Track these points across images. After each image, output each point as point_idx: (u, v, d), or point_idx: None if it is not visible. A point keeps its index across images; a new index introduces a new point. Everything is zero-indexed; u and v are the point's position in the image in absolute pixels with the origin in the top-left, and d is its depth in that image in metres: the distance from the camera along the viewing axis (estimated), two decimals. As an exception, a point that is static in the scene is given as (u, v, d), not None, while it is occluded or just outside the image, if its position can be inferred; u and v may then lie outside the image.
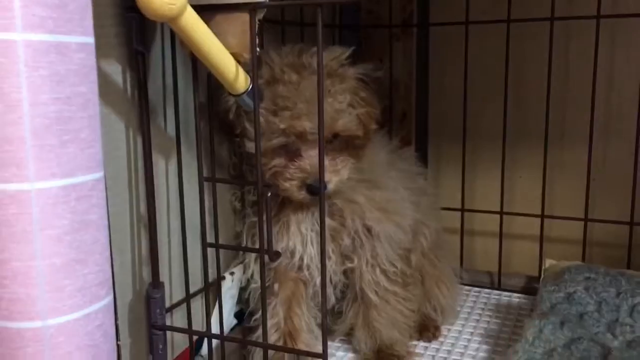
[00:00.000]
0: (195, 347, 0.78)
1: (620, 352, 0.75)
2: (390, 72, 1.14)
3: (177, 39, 0.66)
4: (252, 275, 0.84)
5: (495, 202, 1.09)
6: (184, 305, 0.75)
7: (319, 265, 0.82)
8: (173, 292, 0.75)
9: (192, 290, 0.75)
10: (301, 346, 0.82)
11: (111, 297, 0.48)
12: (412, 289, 0.89)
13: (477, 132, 1.12)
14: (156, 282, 0.69)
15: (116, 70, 0.64)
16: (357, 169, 0.82)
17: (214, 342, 0.79)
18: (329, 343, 0.90)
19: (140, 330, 0.70)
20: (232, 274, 0.84)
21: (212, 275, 0.79)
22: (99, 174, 0.45)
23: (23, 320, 0.42)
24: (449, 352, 0.90)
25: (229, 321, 0.86)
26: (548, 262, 1.03)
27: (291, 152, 0.75)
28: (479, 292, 1.10)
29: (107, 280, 0.47)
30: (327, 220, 0.81)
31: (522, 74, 1.09)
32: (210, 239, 0.76)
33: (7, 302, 0.42)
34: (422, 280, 0.94)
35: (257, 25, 0.60)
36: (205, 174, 0.75)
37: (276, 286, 0.83)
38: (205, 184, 0.70)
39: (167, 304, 0.73)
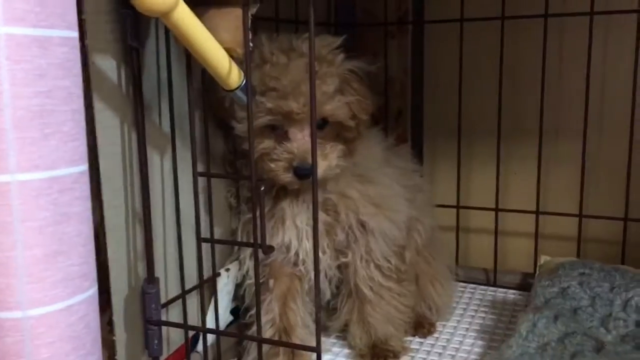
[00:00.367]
0: (191, 344, 0.78)
1: (614, 346, 0.76)
2: (386, 70, 1.14)
3: (171, 35, 0.67)
4: (247, 272, 0.85)
5: (490, 199, 1.09)
6: (180, 301, 0.75)
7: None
8: (169, 288, 0.76)
9: (188, 286, 0.75)
10: (296, 342, 0.82)
11: (95, 289, 0.48)
12: (406, 284, 0.89)
13: (472, 129, 1.12)
14: (151, 278, 0.69)
15: (111, 66, 0.64)
16: (352, 164, 0.82)
17: (210, 338, 0.79)
18: (324, 339, 0.90)
19: (135, 326, 0.70)
20: (227, 270, 0.84)
21: (207, 271, 0.80)
22: (83, 167, 0.46)
23: (2, 310, 0.43)
24: (444, 347, 0.90)
25: (225, 318, 0.86)
26: (543, 259, 1.04)
27: (279, 134, 0.75)
28: (475, 288, 1.10)
29: (90, 272, 0.47)
30: (322, 215, 0.82)
31: (516, 70, 1.10)
32: (205, 234, 0.76)
33: (-14, 292, 0.42)
34: (416, 279, 0.94)
35: (250, 20, 0.60)
36: (200, 169, 0.76)
37: (271, 282, 0.84)
38: (201, 179, 0.70)
39: (163, 300, 0.73)
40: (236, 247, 0.86)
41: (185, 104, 0.73)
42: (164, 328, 0.72)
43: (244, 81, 0.64)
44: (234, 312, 0.88)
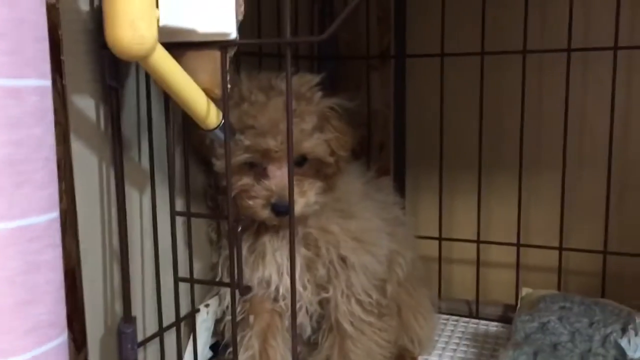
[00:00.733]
0: (169, 381, 0.78)
1: (593, 382, 0.76)
2: (368, 103, 1.15)
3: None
4: (227, 307, 0.84)
5: (472, 231, 1.10)
6: (159, 338, 0.74)
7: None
8: (146, 325, 0.75)
9: (166, 323, 0.75)
10: (276, 379, 0.82)
11: (64, 337, 0.48)
12: (387, 319, 0.89)
13: (454, 162, 1.13)
14: (128, 317, 0.68)
15: (89, 105, 0.65)
16: (331, 199, 0.82)
17: (188, 375, 0.78)
18: (305, 375, 0.89)
19: (112, 365, 0.69)
20: (207, 306, 0.84)
21: (187, 307, 0.79)
22: (54, 214, 0.46)
23: (-29, 361, 0.42)
24: (425, 382, 0.90)
25: (205, 354, 0.85)
26: (524, 291, 1.04)
27: (258, 172, 0.76)
28: (457, 320, 1.10)
29: (59, 321, 0.47)
30: (302, 250, 0.82)
31: (497, 104, 1.11)
32: (185, 271, 0.76)
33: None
34: (398, 311, 0.94)
35: (228, 62, 0.61)
36: (180, 207, 0.76)
37: (251, 318, 0.83)
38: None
39: (141, 338, 0.73)
40: (216, 282, 0.86)
41: (165, 141, 0.73)
42: (141, 367, 0.71)
43: (223, 121, 0.64)
44: (214, 347, 0.88)
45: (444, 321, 1.09)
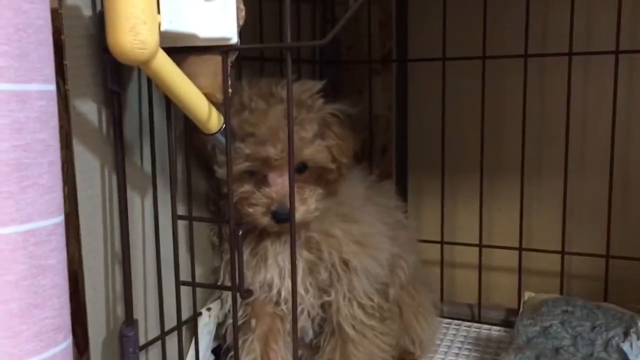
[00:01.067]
0: (170, 385, 0.78)
1: (595, 387, 0.76)
2: (370, 107, 1.15)
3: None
4: (229, 311, 0.84)
5: (475, 235, 1.10)
6: (161, 342, 0.75)
7: (297, 300, 0.83)
8: (149, 329, 0.75)
9: (168, 327, 0.75)
10: (278, 382, 0.82)
11: (69, 341, 0.48)
12: (389, 323, 0.89)
13: (456, 166, 1.13)
14: (130, 320, 0.68)
15: (92, 109, 0.65)
16: (334, 203, 0.83)
17: (190, 379, 0.78)
18: (307, 379, 0.89)
19: (113, 369, 0.70)
20: (209, 309, 0.84)
21: (188, 311, 0.80)
22: (59, 219, 0.46)
23: (-23, 366, 0.43)
24: (427, 387, 0.90)
25: (207, 357, 0.85)
26: (527, 295, 1.04)
27: (259, 179, 0.76)
28: (459, 325, 1.10)
29: (65, 324, 0.47)
30: (304, 253, 0.82)
31: (499, 108, 1.11)
32: (187, 275, 0.76)
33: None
34: (400, 313, 0.94)
35: (229, 67, 0.61)
36: (182, 211, 0.76)
37: (253, 321, 0.83)
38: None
39: (143, 342, 0.73)
40: (218, 286, 0.86)
41: (167, 145, 0.73)
42: (143, 370, 0.72)
43: (224, 125, 0.64)
44: (216, 351, 0.88)
45: (447, 325, 1.09)
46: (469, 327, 1.09)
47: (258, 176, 0.76)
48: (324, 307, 0.87)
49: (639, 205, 1.06)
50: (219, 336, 0.87)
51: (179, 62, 0.59)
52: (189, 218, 0.71)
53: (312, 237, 0.82)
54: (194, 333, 0.78)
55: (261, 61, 0.95)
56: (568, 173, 1.01)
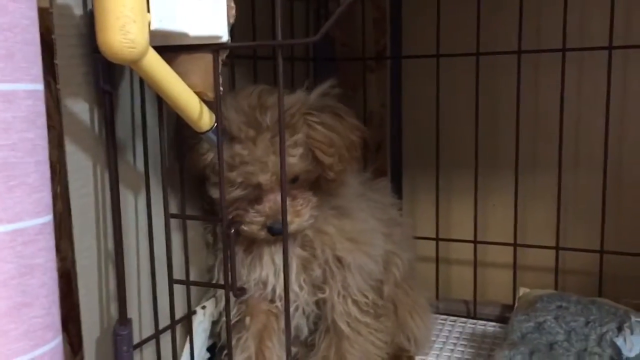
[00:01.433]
0: (165, 383, 0.78)
1: (589, 382, 0.76)
2: (364, 104, 1.15)
3: (144, 78, 0.67)
4: (224, 309, 0.84)
5: (470, 231, 1.10)
6: (155, 340, 0.75)
7: (292, 297, 0.83)
8: (143, 328, 0.75)
9: (162, 326, 0.75)
10: (273, 380, 0.82)
11: (59, 340, 0.48)
12: (384, 320, 0.89)
13: (450, 162, 1.14)
14: (123, 319, 0.68)
15: (83, 109, 0.65)
16: (328, 200, 0.83)
17: (185, 377, 0.78)
18: (302, 376, 0.89)
19: (107, 368, 0.70)
20: (203, 307, 0.84)
21: (183, 310, 0.80)
22: (47, 218, 0.46)
23: (-36, 365, 0.43)
24: (422, 383, 0.90)
25: (202, 355, 0.85)
26: (522, 291, 1.04)
27: (252, 199, 0.78)
28: (455, 321, 1.10)
29: (54, 323, 0.47)
30: (298, 251, 0.82)
31: (493, 104, 1.11)
32: (181, 274, 0.76)
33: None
34: (395, 310, 0.94)
35: (220, 65, 0.61)
36: (176, 210, 0.76)
37: (248, 319, 0.83)
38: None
39: (137, 340, 0.73)
40: (213, 284, 0.86)
41: (165, 144, 0.73)
42: (137, 369, 0.72)
43: (216, 123, 0.64)
44: (211, 349, 0.88)
45: (442, 321, 1.10)
46: (465, 323, 1.09)
47: (250, 196, 0.77)
48: (319, 304, 0.87)
49: (633, 201, 1.06)
50: (214, 334, 0.87)
51: (170, 61, 0.59)
52: (182, 217, 0.71)
53: (305, 234, 0.82)
54: (189, 331, 0.79)
55: (254, 60, 0.95)
56: (562, 169, 1.01)
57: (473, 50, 1.04)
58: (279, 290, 0.83)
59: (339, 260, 0.83)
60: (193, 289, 0.82)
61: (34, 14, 0.46)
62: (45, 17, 0.60)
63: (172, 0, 0.56)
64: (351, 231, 0.84)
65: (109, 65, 0.63)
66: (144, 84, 0.69)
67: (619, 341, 0.81)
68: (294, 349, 0.89)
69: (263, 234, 0.77)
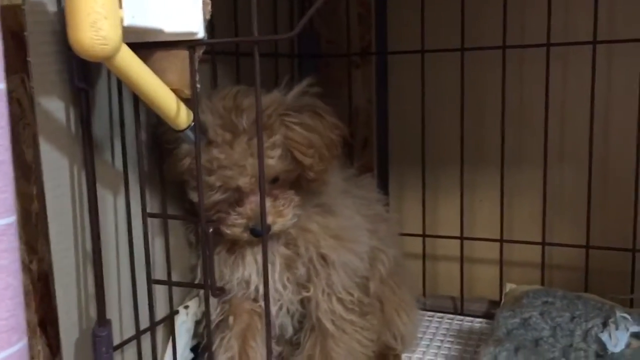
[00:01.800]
0: (148, 385, 0.77)
1: (574, 378, 0.76)
2: (350, 100, 1.15)
3: (121, 75, 0.66)
4: (207, 308, 0.83)
5: (456, 227, 1.10)
6: (136, 341, 0.74)
7: (275, 296, 0.82)
8: (124, 329, 0.74)
9: (143, 326, 0.74)
10: (257, 380, 0.81)
11: (24, 342, 0.47)
12: (370, 318, 0.88)
13: (437, 158, 1.13)
14: (102, 320, 0.68)
15: (59, 107, 0.64)
16: (312, 196, 0.82)
17: (167, 378, 0.78)
18: (287, 375, 0.89)
19: (87, 370, 0.69)
20: (186, 307, 0.83)
21: (165, 310, 0.79)
22: (10, 219, 0.45)
23: None
24: (408, 380, 0.89)
25: (185, 355, 0.84)
26: (508, 286, 1.04)
27: (232, 201, 0.77)
28: (442, 318, 1.10)
29: (19, 326, 0.46)
30: (282, 249, 0.81)
31: (479, 100, 1.11)
32: (163, 274, 0.75)
33: None
34: (381, 308, 0.93)
35: (197, 62, 0.60)
36: (157, 209, 0.75)
37: (231, 319, 0.82)
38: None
39: (118, 341, 0.72)
40: (196, 284, 0.85)
41: (142, 143, 0.72)
42: (117, 371, 0.71)
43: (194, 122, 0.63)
44: (195, 349, 0.87)
45: (429, 318, 1.09)
46: (452, 319, 1.09)
47: (231, 199, 0.76)
48: (303, 302, 0.86)
49: (618, 196, 1.06)
50: (197, 334, 0.86)
51: (145, 58, 0.58)
52: (161, 216, 0.71)
53: (289, 233, 0.82)
54: (171, 331, 0.78)
55: (237, 56, 0.94)
56: (548, 164, 1.01)
57: (458, 46, 1.03)
58: (262, 289, 0.82)
59: (323, 258, 0.83)
60: (176, 289, 0.81)
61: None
62: (17, 14, 0.59)
63: (146, -4, 0.55)
64: (335, 228, 0.83)
65: (83, 62, 0.62)
66: (122, 82, 0.68)
67: (604, 336, 0.80)
68: (279, 348, 0.89)
69: (246, 236, 0.76)
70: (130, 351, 0.75)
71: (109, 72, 0.69)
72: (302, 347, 0.88)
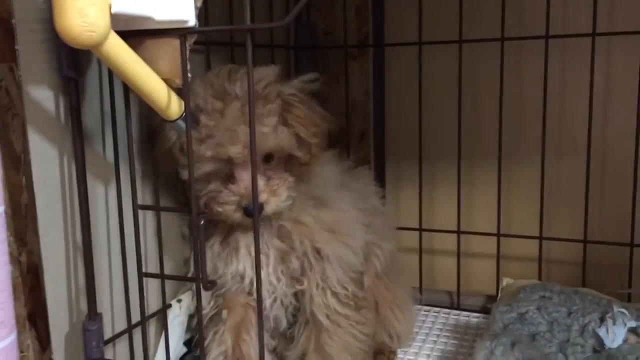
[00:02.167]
0: (140, 379, 0.76)
1: (571, 373, 0.75)
2: (347, 92, 1.14)
3: (112, 64, 0.65)
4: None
5: (454, 221, 1.09)
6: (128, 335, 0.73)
7: (269, 288, 0.81)
8: (115, 322, 0.74)
9: (135, 320, 0.73)
10: (250, 374, 0.80)
11: (14, 336, 0.46)
12: (365, 312, 0.87)
13: (434, 151, 1.12)
14: (92, 314, 0.66)
15: (48, 96, 0.63)
16: (306, 189, 0.81)
17: (160, 372, 0.77)
18: (281, 369, 0.88)
19: (78, 364, 0.68)
20: (179, 301, 0.82)
21: (158, 304, 0.78)
22: (-3, 210, 0.44)
23: None
24: (403, 375, 0.89)
25: (178, 349, 0.84)
26: (505, 281, 1.03)
27: (225, 176, 0.74)
28: (438, 312, 1.09)
29: (8, 319, 0.45)
30: (276, 242, 0.80)
31: (476, 93, 1.10)
32: (156, 267, 0.74)
33: None
34: (376, 306, 0.92)
35: (188, 50, 0.59)
36: (150, 201, 0.74)
37: (225, 312, 0.82)
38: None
39: (110, 335, 0.71)
40: (189, 277, 0.84)
41: (131, 133, 0.71)
42: (109, 365, 0.70)
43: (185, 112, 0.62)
44: (187, 343, 0.86)
45: (425, 313, 1.08)
46: (448, 314, 1.08)
47: (223, 174, 0.74)
48: (297, 296, 0.85)
49: (616, 190, 1.05)
50: (191, 328, 0.86)
51: (135, 47, 0.57)
52: (153, 208, 0.69)
53: (283, 225, 0.81)
54: (164, 325, 0.77)
55: (232, 46, 0.93)
56: (545, 158, 1.00)
57: (456, 38, 1.02)
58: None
59: (317, 251, 0.82)
60: (171, 282, 0.80)
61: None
62: (5, 1, 0.57)
63: (136, -18, 0.54)
64: (330, 222, 0.82)
65: (72, 51, 0.61)
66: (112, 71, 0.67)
67: (601, 332, 0.80)
68: (273, 342, 0.88)
69: (238, 215, 0.74)
70: (122, 345, 0.74)
71: (99, 61, 0.68)
72: (297, 340, 0.87)
